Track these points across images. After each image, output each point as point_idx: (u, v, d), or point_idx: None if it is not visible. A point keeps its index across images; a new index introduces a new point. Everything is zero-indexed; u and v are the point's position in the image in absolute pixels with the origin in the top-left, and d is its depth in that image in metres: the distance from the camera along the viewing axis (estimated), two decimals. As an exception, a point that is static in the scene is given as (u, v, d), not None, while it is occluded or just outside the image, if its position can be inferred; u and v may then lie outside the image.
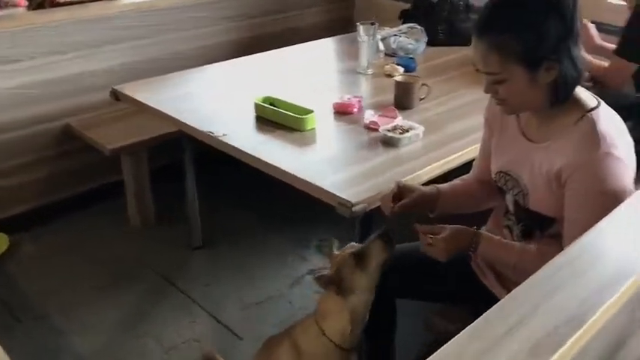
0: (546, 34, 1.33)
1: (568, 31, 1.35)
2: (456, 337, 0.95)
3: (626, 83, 2.56)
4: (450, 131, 2.13)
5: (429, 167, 1.89)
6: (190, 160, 2.69)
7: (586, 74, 2.61)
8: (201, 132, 2.14)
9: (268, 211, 3.19)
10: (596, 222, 1.22)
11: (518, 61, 1.35)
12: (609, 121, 1.40)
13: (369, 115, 2.17)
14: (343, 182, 1.81)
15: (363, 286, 1.54)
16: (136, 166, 2.90)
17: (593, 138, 1.36)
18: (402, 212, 1.61)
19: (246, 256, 2.84)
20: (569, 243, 1.37)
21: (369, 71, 2.71)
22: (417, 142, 2.05)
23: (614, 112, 1.45)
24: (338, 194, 1.72)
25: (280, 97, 2.28)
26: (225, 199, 3.26)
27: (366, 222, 1.81)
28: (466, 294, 1.70)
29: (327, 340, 1.57)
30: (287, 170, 1.85)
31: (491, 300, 1.62)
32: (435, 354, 0.92)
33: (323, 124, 2.20)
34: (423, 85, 2.35)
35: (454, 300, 1.80)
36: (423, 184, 1.86)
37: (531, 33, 1.33)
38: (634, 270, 1.08)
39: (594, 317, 0.98)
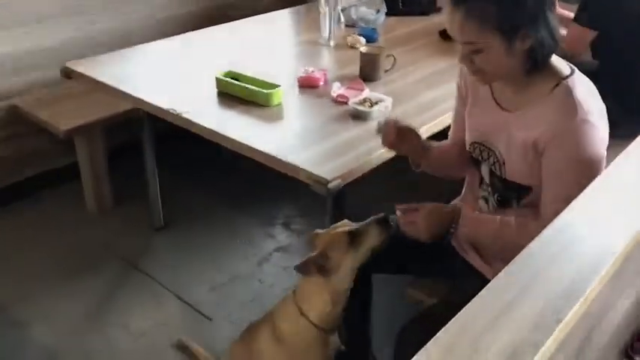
0: (524, 1, 1.31)
1: None
2: (453, 318, 0.93)
3: (585, 51, 2.59)
4: (418, 102, 2.11)
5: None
6: (149, 138, 2.59)
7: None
8: (163, 110, 2.05)
9: (231, 188, 3.12)
10: (574, 189, 1.23)
11: (495, 30, 1.32)
12: (585, 89, 1.40)
13: (337, 88, 2.13)
14: (316, 158, 1.77)
15: (348, 267, 1.51)
16: (90, 147, 2.77)
17: (570, 105, 1.36)
18: (399, 147, 1.63)
19: (211, 236, 2.78)
20: (548, 210, 1.38)
21: (332, 43, 2.66)
22: (387, 114, 2.02)
23: (587, 79, 1.45)
24: (312, 171, 1.67)
25: (241, 72, 2.21)
26: (186, 177, 3.17)
27: (339, 198, 1.79)
28: (444, 267, 1.70)
29: (307, 322, 1.54)
30: (257, 148, 1.79)
31: (470, 273, 1.63)
32: (436, 336, 0.90)
33: (289, 98, 2.15)
34: (388, 56, 2.32)
35: (432, 274, 1.80)
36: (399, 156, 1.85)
37: (509, 0, 1.31)
38: (613, 248, 1.09)
39: (589, 290, 0.99)
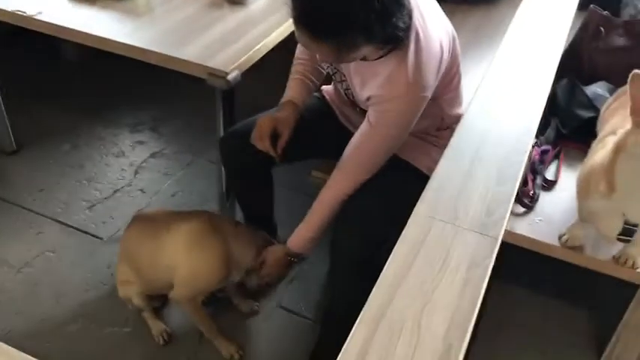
0: (386, 12, 1.24)
1: None
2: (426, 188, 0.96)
3: None
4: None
5: (284, 25, 1.79)
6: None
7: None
8: (9, 12, 1.77)
9: (84, 98, 2.84)
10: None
11: (364, 44, 1.28)
12: (422, 49, 1.37)
13: (203, -27, 1.96)
14: (203, 51, 1.66)
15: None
16: None
17: (400, 75, 1.35)
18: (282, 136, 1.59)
19: (75, 152, 2.55)
20: (351, 156, 1.48)
21: None
22: (264, -4, 1.92)
23: (429, 37, 1.39)
24: (207, 64, 1.57)
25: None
26: (30, 91, 2.82)
27: (230, 92, 1.70)
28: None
29: None
30: (139, 46, 1.63)
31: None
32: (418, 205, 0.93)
33: (151, -12, 1.95)
34: None
35: (332, 154, 1.81)
36: (279, 43, 1.78)
37: (372, 21, 1.23)
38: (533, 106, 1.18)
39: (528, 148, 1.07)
